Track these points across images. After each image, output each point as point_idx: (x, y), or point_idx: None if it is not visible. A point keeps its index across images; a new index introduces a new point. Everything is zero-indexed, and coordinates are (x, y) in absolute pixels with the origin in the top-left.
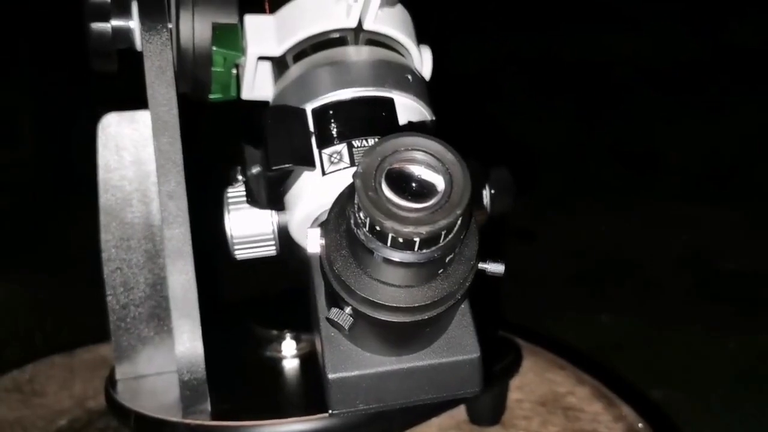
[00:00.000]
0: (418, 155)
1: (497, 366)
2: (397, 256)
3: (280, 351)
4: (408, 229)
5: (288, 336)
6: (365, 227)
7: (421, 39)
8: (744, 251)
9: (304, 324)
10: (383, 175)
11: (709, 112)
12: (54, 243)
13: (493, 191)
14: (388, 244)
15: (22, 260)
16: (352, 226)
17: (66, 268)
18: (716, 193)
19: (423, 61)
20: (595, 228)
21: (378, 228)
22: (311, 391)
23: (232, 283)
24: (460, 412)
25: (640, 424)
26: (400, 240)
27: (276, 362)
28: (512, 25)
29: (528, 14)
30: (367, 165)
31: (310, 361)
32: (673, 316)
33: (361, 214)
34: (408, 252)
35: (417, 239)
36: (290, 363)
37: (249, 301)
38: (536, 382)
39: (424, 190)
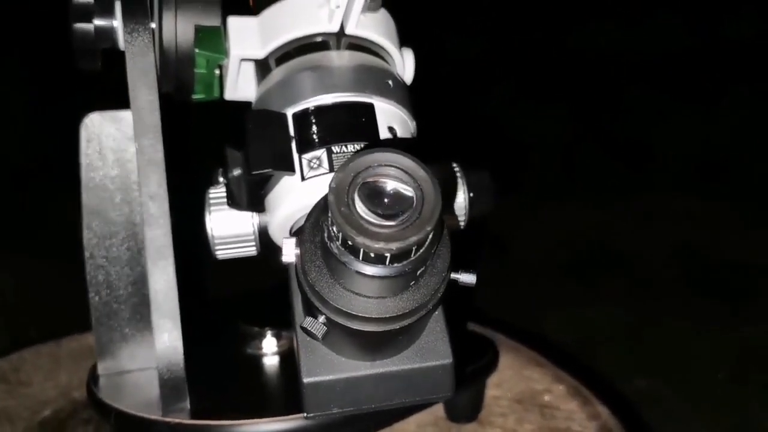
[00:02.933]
0: (391, 171)
1: (474, 365)
2: (369, 269)
3: (260, 348)
4: (379, 245)
5: (269, 333)
6: (338, 241)
7: (404, 41)
8: (735, 244)
9: (285, 321)
10: (356, 191)
11: (703, 106)
12: (46, 231)
13: (471, 194)
14: (360, 258)
15: (13, 248)
16: (326, 238)
17: (58, 256)
18: (709, 187)
19: (405, 65)
20: (587, 220)
21: (350, 242)
22: (291, 389)
23: (213, 280)
24: (438, 408)
25: (613, 422)
26: (372, 255)
27: (256, 360)
28: (506, 17)
29: (522, 7)
30: (340, 180)
31: (290, 358)
32: (663, 309)
33: (335, 228)
34: (380, 266)
35: (388, 254)
36: (271, 360)
37: (230, 297)
38: (514, 380)
39: (396, 206)
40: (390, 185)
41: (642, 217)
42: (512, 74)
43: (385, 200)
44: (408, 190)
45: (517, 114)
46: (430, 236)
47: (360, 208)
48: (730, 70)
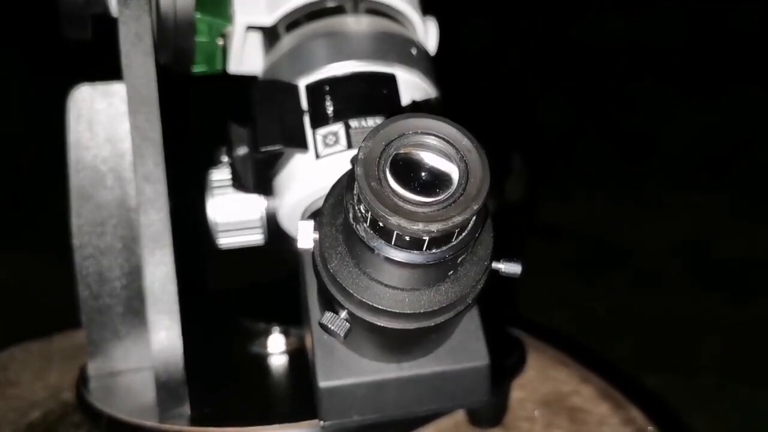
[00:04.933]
0: (429, 140)
1: (501, 365)
2: (402, 256)
3: (266, 347)
4: (417, 227)
5: (276, 330)
6: (366, 222)
7: (426, 9)
8: (740, 239)
9: (294, 316)
10: (388, 163)
11: (707, 98)
12: (40, 223)
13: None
14: (393, 242)
15: (11, 243)
16: (351, 220)
17: (57, 249)
18: (713, 180)
19: (428, 34)
20: (589, 214)
21: (381, 224)
22: (301, 392)
23: (215, 270)
24: (459, 411)
25: (650, 428)
26: (407, 238)
27: (262, 359)
28: (507, 8)
29: None
30: (369, 150)
31: (300, 358)
32: (667, 304)
33: (362, 207)
34: (415, 252)
35: (426, 238)
36: (278, 360)
37: (233, 290)
38: (539, 380)
39: (436, 181)
40: (428, 156)
41: (645, 211)
42: (513, 66)
43: (422, 174)
44: (449, 162)
45: (518, 107)
46: (475, 217)
47: (393, 182)
48: (735, 62)
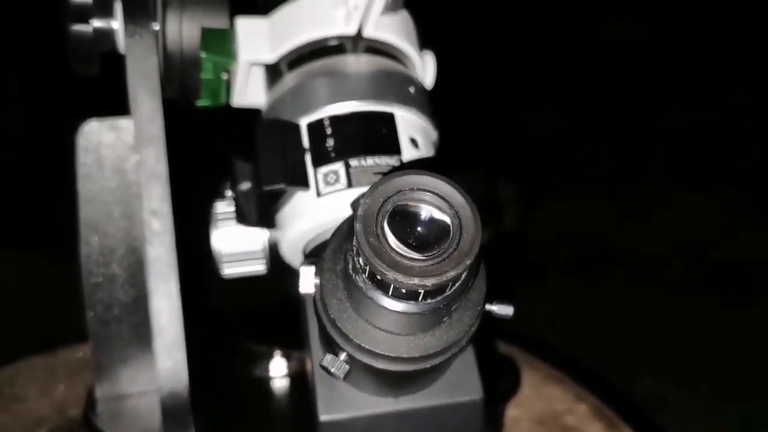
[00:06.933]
0: (425, 196)
1: (496, 389)
2: (399, 306)
3: (269, 370)
4: (413, 281)
5: (277, 354)
6: (364, 274)
7: (424, 43)
8: (738, 240)
9: (296, 338)
10: (386, 219)
11: (707, 100)
12: (40, 223)
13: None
14: (390, 293)
15: (5, 241)
16: (350, 270)
17: (53, 248)
18: (713, 181)
19: (426, 69)
20: (590, 213)
21: (379, 277)
22: (302, 416)
23: (218, 294)
24: None
25: None
26: (403, 290)
27: (265, 384)
28: (509, 8)
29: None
30: (368, 207)
31: (301, 382)
32: (666, 306)
33: (361, 260)
34: (411, 302)
35: (422, 291)
36: (280, 383)
37: (237, 311)
38: (533, 398)
39: (431, 236)
40: (423, 212)
41: (645, 211)
42: (511, 68)
43: (418, 229)
44: (444, 218)
45: (517, 108)
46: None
47: (391, 239)
48: (735, 64)
